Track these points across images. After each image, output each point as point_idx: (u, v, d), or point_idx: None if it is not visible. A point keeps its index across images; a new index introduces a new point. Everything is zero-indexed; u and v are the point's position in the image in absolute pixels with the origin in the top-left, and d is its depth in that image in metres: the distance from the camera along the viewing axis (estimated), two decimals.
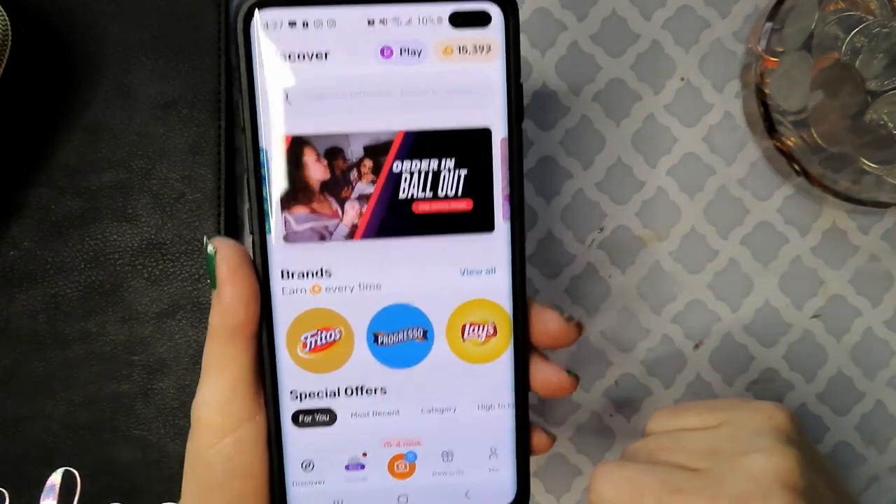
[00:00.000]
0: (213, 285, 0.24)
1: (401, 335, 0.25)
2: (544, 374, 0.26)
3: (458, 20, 0.24)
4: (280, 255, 0.24)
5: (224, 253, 0.24)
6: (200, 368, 0.25)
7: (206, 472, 0.24)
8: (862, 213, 0.37)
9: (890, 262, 0.38)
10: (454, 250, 0.25)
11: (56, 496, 0.35)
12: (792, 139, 0.35)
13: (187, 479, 0.25)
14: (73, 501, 0.35)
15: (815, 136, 0.35)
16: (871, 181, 0.35)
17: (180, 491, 0.26)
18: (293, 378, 0.25)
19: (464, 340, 0.26)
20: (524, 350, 0.26)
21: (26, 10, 0.34)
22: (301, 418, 0.25)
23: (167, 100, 0.35)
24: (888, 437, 0.38)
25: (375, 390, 0.26)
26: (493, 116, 0.25)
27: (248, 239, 0.25)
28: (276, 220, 0.24)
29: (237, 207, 0.36)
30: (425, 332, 0.26)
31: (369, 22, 0.24)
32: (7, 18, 0.33)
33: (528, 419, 0.27)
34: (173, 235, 0.35)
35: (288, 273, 0.25)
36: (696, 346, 0.38)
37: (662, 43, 0.37)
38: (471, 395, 0.26)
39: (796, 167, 0.34)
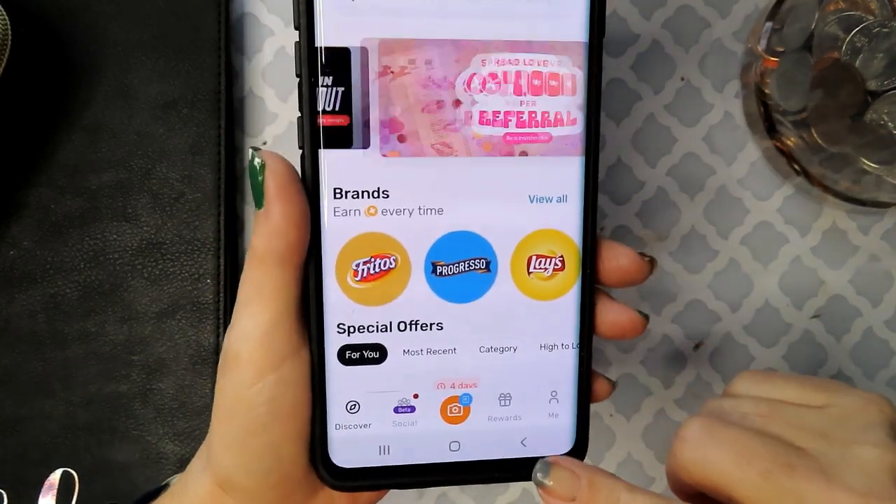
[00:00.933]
0: (259, 204, 0.22)
1: (462, 266, 0.23)
2: (614, 314, 0.25)
3: None
4: (333, 171, 0.22)
5: (273, 167, 0.22)
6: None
7: (246, 414, 0.22)
8: (862, 213, 0.37)
9: (890, 262, 0.38)
10: (524, 175, 0.23)
11: (54, 496, 0.35)
12: (792, 139, 0.35)
13: (220, 423, 0.23)
14: (71, 502, 0.35)
15: (815, 136, 0.35)
16: (871, 181, 0.35)
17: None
18: (341, 310, 0.23)
19: (529, 274, 0.24)
20: (591, 287, 0.24)
21: (26, 10, 0.34)
22: (348, 354, 0.23)
23: (167, 100, 0.35)
24: None
25: (431, 326, 0.23)
26: (572, 31, 0.23)
27: (298, 160, 0.23)
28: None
29: (237, 207, 0.37)
30: (488, 264, 0.24)
31: None
32: (7, 18, 0.33)
33: (591, 361, 0.25)
34: (173, 235, 0.35)
35: (341, 192, 0.22)
36: (696, 347, 0.38)
37: (662, 43, 0.37)
38: (533, 334, 0.24)
39: (796, 167, 0.34)
